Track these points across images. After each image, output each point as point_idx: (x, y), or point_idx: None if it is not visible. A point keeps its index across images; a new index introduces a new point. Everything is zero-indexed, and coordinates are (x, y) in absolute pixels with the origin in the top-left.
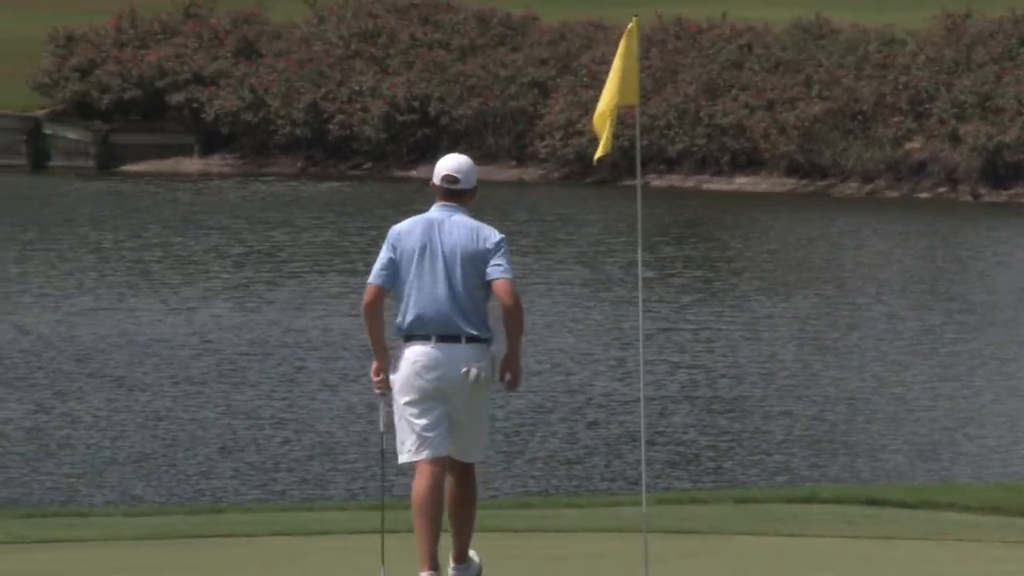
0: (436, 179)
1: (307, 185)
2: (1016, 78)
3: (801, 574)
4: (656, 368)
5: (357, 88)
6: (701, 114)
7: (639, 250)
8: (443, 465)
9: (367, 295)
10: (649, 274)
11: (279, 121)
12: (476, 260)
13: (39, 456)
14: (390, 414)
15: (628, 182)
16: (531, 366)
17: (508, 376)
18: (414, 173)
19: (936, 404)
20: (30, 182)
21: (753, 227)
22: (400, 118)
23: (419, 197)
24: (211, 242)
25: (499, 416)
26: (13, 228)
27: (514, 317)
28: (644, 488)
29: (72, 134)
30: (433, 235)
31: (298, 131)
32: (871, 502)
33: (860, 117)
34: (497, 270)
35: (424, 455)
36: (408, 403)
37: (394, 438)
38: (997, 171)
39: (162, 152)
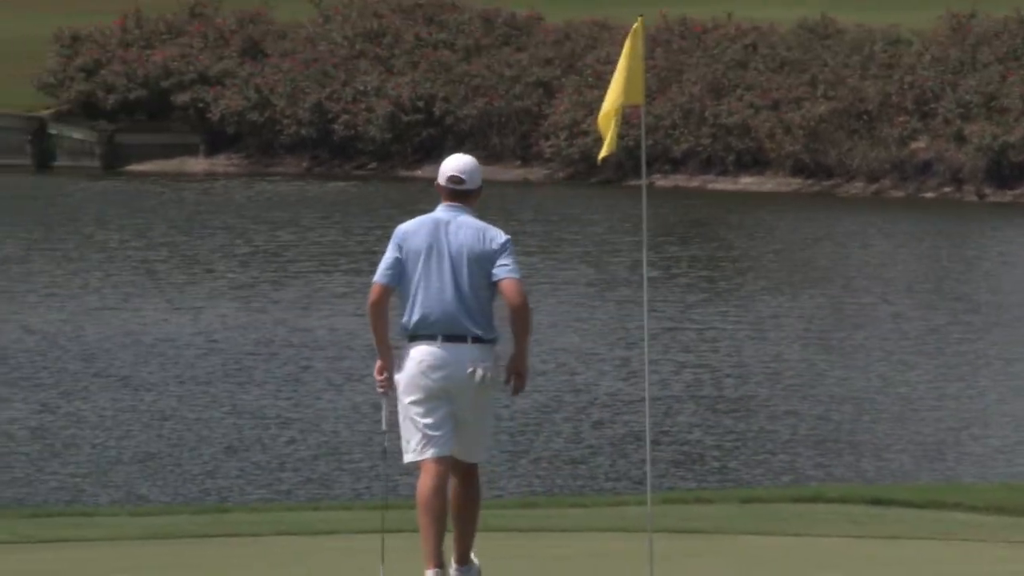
0: (441, 179)
1: (312, 185)
2: (1021, 78)
3: (806, 574)
4: (661, 368)
5: (362, 88)
6: (706, 114)
7: (644, 250)
8: (448, 464)
9: (373, 294)
10: (654, 274)
11: (284, 121)
12: (483, 260)
13: (44, 456)
14: (393, 413)
15: (633, 182)
16: (536, 366)
17: (513, 379)
18: (419, 173)
19: (941, 404)
20: (35, 182)
21: (758, 227)
22: (405, 118)
23: (424, 197)
24: (216, 242)
25: (504, 416)
26: (19, 228)
27: (522, 317)
28: (649, 488)
29: (77, 134)
30: (439, 235)
31: (303, 131)
32: (876, 502)
33: (865, 117)
34: (504, 270)
35: (429, 454)
36: (413, 402)
37: (398, 438)
38: (1002, 171)
39: (167, 152)
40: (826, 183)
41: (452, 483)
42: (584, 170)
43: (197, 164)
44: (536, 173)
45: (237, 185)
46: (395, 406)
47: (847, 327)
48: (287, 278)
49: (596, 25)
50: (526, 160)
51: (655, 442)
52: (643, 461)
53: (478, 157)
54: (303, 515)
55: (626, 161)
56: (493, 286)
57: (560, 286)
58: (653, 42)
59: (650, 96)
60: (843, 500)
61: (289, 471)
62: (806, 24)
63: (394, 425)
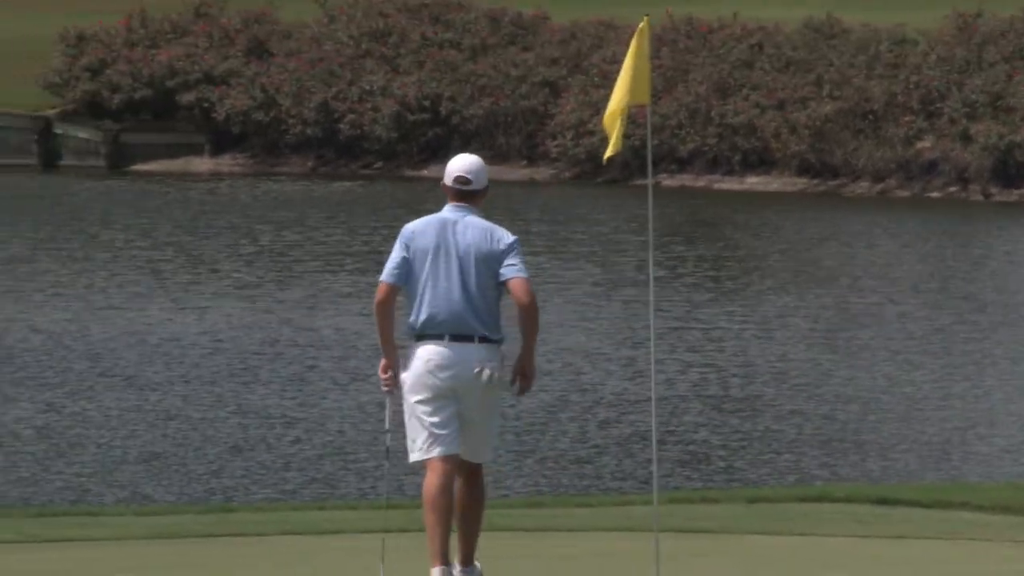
0: (447, 180)
1: (318, 185)
2: None
3: (812, 573)
4: (667, 367)
5: (368, 88)
6: (712, 114)
7: (650, 249)
8: (454, 463)
9: (379, 293)
10: (660, 273)
11: (290, 121)
12: (490, 261)
13: (50, 455)
14: (397, 412)
15: (639, 182)
16: (542, 365)
17: (519, 379)
18: (425, 172)
19: (947, 403)
20: (41, 182)
21: (764, 227)
22: (411, 117)
23: (430, 197)
24: (222, 242)
25: (510, 415)
26: (24, 227)
27: (530, 316)
28: (655, 487)
29: (83, 134)
30: (447, 235)
31: (309, 131)
32: (882, 501)
33: (871, 117)
34: (512, 269)
35: (436, 453)
36: (420, 401)
37: (402, 437)
38: (1008, 170)
39: (173, 152)
40: (832, 183)
41: (457, 483)
42: (590, 170)
43: (202, 164)
44: (542, 173)
45: (242, 185)
46: (399, 405)
47: (853, 327)
48: (292, 278)
49: (602, 25)
50: (532, 160)
51: (661, 442)
52: (649, 461)
53: (484, 157)
54: (308, 515)
55: (632, 161)
56: (500, 286)
57: (566, 286)
58: (659, 42)
59: (656, 96)
60: (849, 500)
61: (294, 471)
62: (812, 24)
63: (398, 424)
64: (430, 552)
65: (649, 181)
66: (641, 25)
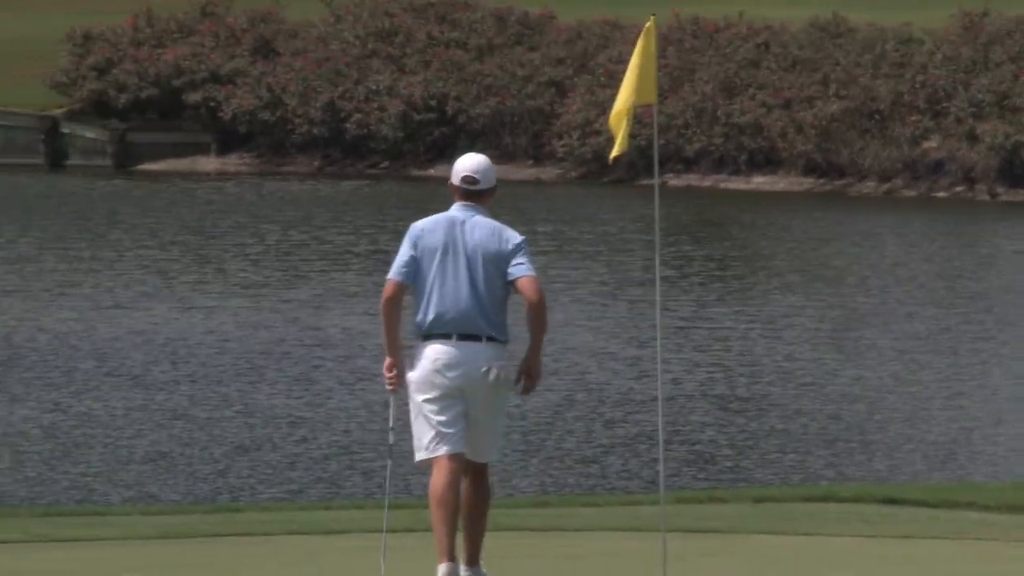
0: (455, 179)
1: (324, 184)
2: None
3: (819, 573)
4: (674, 367)
5: (374, 87)
6: (718, 113)
7: (656, 249)
8: (461, 462)
9: (387, 290)
10: (667, 273)
11: (296, 120)
12: (498, 260)
13: (56, 455)
14: (401, 411)
15: (645, 181)
16: (548, 365)
17: (524, 379)
18: (431, 172)
19: (954, 403)
20: (48, 181)
21: (770, 226)
22: (417, 117)
23: (437, 196)
24: (228, 241)
25: (516, 415)
26: (31, 227)
27: (539, 314)
28: (662, 487)
29: (90, 133)
30: (455, 234)
31: (315, 130)
32: (889, 501)
33: (877, 116)
34: (521, 268)
35: (442, 451)
36: (427, 400)
37: (406, 437)
38: (1014, 170)
39: (179, 151)
40: (838, 182)
41: (463, 484)
42: (596, 169)
43: (209, 163)
44: (548, 172)
45: (249, 184)
46: (403, 404)
47: (859, 326)
48: (299, 277)
49: (608, 24)
50: (538, 159)
51: (667, 441)
52: (655, 460)
53: (490, 156)
54: (315, 514)
55: (638, 160)
56: (508, 286)
57: (572, 285)
58: (665, 41)
59: (662, 95)
60: (855, 499)
61: (301, 470)
62: (818, 23)
63: (400, 422)
64: (437, 549)
65: (655, 181)
66: (647, 25)
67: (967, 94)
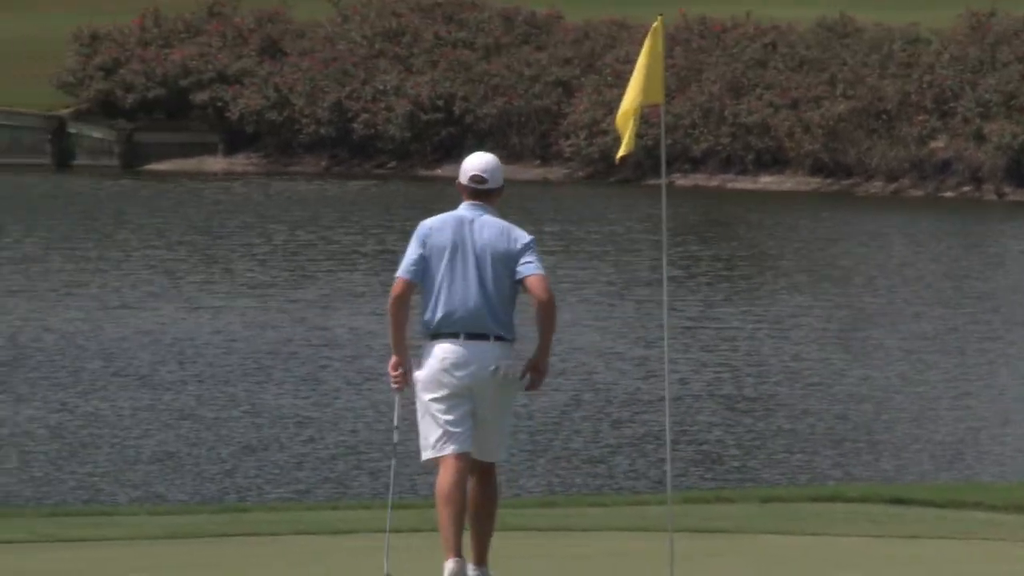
0: (463, 178)
1: (331, 184)
2: None
3: (826, 573)
4: (681, 367)
5: (381, 87)
6: (725, 113)
7: (664, 249)
8: (467, 461)
9: (396, 288)
10: (674, 273)
11: (303, 120)
12: (507, 260)
13: (63, 455)
14: (409, 410)
15: (652, 181)
16: (555, 364)
17: (530, 374)
18: (439, 172)
19: (961, 403)
20: (55, 181)
21: (777, 226)
22: (424, 117)
23: (444, 196)
24: (235, 241)
25: (523, 415)
26: (38, 227)
27: (548, 312)
28: (669, 487)
29: (97, 133)
30: (464, 233)
31: (322, 130)
32: (896, 501)
33: (884, 116)
34: (530, 267)
35: (449, 451)
36: (435, 399)
37: (410, 436)
38: (1022, 170)
39: (186, 151)
40: (845, 182)
41: (470, 483)
42: (603, 169)
43: (216, 163)
44: (555, 172)
45: (256, 184)
46: (409, 403)
47: (866, 326)
48: (306, 277)
49: (615, 24)
50: (545, 159)
51: (675, 441)
52: (663, 460)
53: (497, 156)
54: (322, 514)
55: (645, 160)
56: (516, 285)
57: (580, 285)
58: (672, 41)
59: (669, 95)
60: (862, 499)
61: (308, 470)
62: (825, 23)
63: (407, 421)
64: (444, 545)
65: (663, 180)
66: (655, 24)
67: (974, 94)
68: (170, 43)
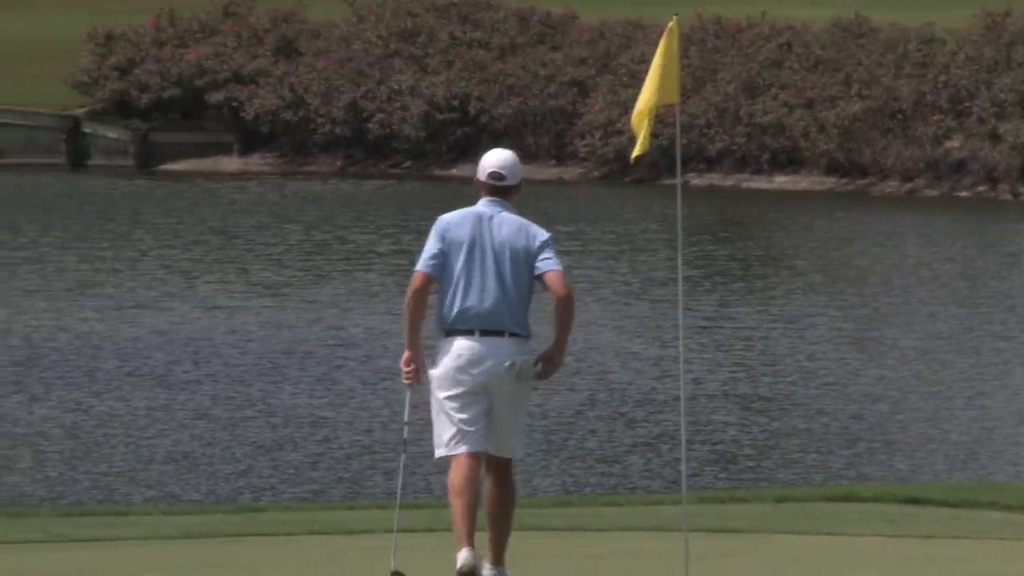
0: (481, 175)
1: (347, 184)
2: None
3: (841, 573)
4: (696, 366)
5: (396, 87)
6: (741, 113)
7: (679, 248)
8: (480, 460)
9: (415, 281)
10: (689, 272)
11: (319, 120)
12: (525, 257)
13: (78, 454)
14: (422, 407)
15: (668, 181)
16: (570, 364)
17: (544, 363)
18: (454, 172)
19: (976, 403)
20: (69, 181)
21: (793, 226)
22: (439, 117)
23: (459, 196)
24: (250, 241)
25: (538, 414)
26: (53, 227)
27: (567, 308)
28: (684, 487)
29: (111, 133)
30: (483, 230)
31: (338, 130)
32: (911, 501)
33: (900, 116)
34: (548, 263)
35: (462, 449)
36: (449, 397)
37: (420, 432)
38: None
39: (201, 151)
40: (860, 182)
41: (487, 482)
42: (619, 169)
43: (231, 163)
44: (571, 172)
45: (271, 184)
46: (422, 400)
47: (882, 326)
48: (321, 277)
49: (630, 24)
50: (561, 159)
51: (689, 441)
52: (677, 460)
53: None
54: (337, 514)
55: (660, 160)
56: (533, 282)
57: (595, 285)
58: (688, 41)
59: (685, 95)
60: (877, 499)
61: (322, 470)
62: (840, 23)
63: (420, 419)
64: (456, 536)
65: (678, 180)
66: (670, 24)
67: (989, 94)
68: (185, 43)
